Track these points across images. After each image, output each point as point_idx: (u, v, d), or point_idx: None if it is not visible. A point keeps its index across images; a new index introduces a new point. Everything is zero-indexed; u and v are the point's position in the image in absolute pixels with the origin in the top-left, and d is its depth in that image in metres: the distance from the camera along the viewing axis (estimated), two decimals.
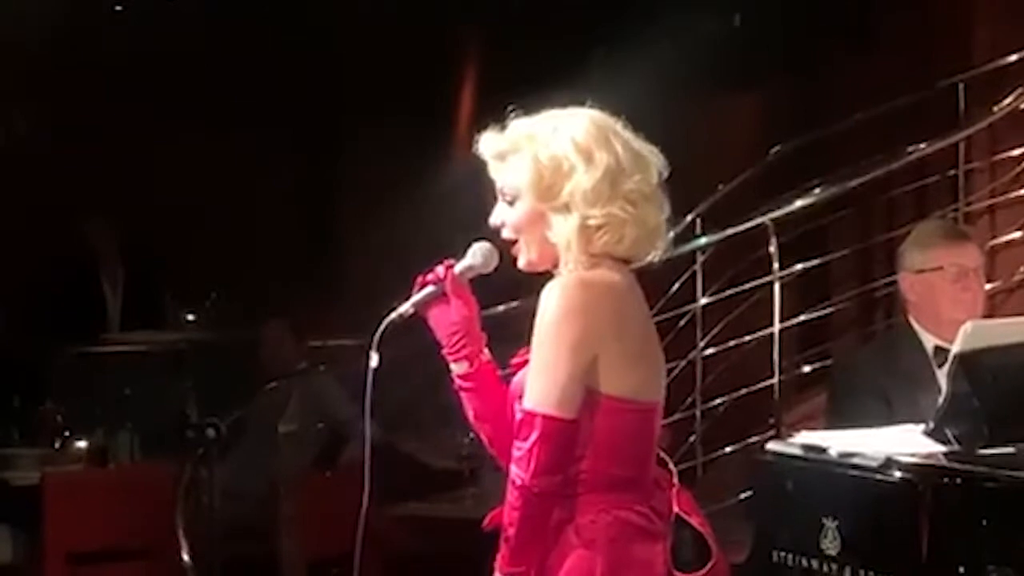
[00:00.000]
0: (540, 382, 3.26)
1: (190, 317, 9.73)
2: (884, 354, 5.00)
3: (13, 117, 9.51)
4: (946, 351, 4.31)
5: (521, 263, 3.44)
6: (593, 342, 3.25)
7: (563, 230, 3.33)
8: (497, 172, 3.43)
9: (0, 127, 9.55)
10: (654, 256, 3.41)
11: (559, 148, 3.33)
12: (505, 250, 3.46)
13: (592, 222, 3.31)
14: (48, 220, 9.28)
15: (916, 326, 4.91)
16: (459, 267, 3.49)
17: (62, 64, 9.24)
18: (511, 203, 3.40)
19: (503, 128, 3.42)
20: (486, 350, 3.52)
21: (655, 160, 3.40)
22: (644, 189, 3.35)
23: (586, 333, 3.24)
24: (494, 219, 3.44)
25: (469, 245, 3.51)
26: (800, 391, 7.33)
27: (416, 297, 3.48)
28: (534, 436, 3.24)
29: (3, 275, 9.05)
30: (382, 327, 3.44)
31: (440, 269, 3.50)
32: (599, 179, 3.30)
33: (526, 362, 3.37)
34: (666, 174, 3.40)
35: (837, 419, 4.84)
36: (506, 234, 3.43)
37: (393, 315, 3.46)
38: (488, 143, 3.42)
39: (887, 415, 4.60)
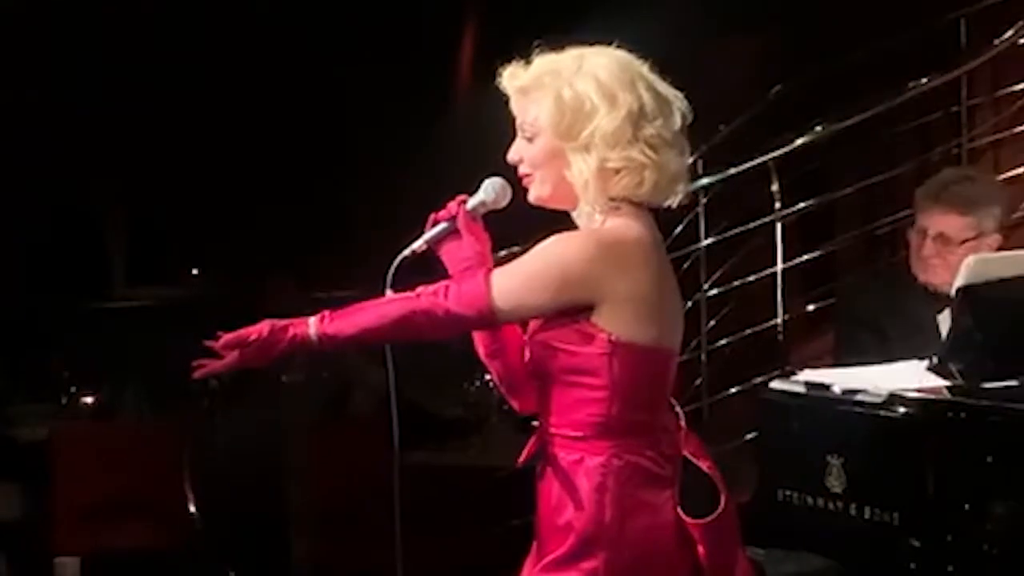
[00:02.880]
0: (509, 277, 3.27)
1: (195, 271, 9.72)
2: (884, 291, 4.99)
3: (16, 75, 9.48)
4: (942, 296, 4.32)
5: (532, 197, 3.41)
6: (589, 288, 3.23)
7: (582, 170, 3.30)
8: (518, 107, 3.39)
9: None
10: (672, 201, 3.39)
11: (582, 87, 3.29)
12: (518, 186, 3.44)
13: (611, 164, 3.29)
14: (54, 175, 9.26)
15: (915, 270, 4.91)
16: (471, 203, 3.46)
17: (68, 19, 9.20)
18: (530, 139, 3.37)
19: (527, 62, 3.38)
20: None
21: (679, 104, 3.35)
22: (665, 134, 3.31)
23: (583, 280, 3.23)
24: (512, 154, 3.41)
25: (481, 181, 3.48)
26: (808, 331, 7.31)
27: (429, 234, 3.46)
28: (465, 302, 3.25)
29: (9, 231, 9.04)
30: (395, 264, 3.41)
31: (452, 205, 3.47)
32: (621, 122, 3.27)
33: None
34: (690, 119, 3.36)
35: (841, 352, 4.84)
36: (523, 170, 3.40)
37: (406, 252, 3.44)
38: (511, 76, 3.38)
39: (883, 349, 4.59)
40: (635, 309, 3.26)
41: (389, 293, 3.39)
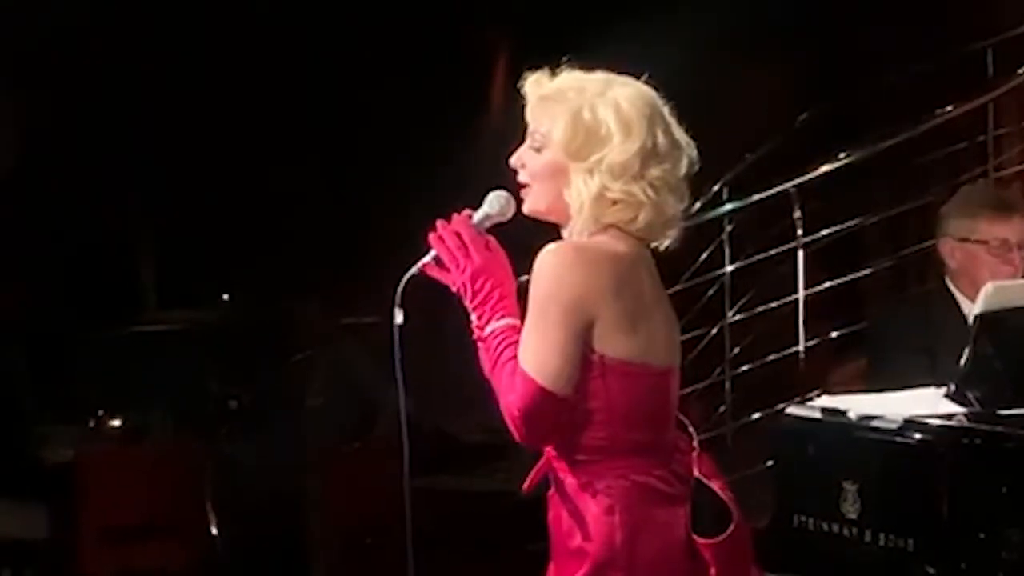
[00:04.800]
0: (535, 346, 3.23)
1: (225, 297, 9.75)
2: (919, 314, 4.97)
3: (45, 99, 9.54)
4: None
5: (527, 208, 3.40)
6: (587, 306, 3.22)
7: (580, 192, 3.30)
8: (534, 114, 3.38)
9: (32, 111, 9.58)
10: (664, 244, 3.38)
11: (603, 112, 3.28)
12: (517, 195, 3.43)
13: (610, 194, 3.28)
14: (84, 198, 9.31)
15: (954, 291, 4.88)
16: (476, 216, 3.44)
17: (101, 41, 9.25)
18: (538, 150, 3.36)
19: (555, 73, 3.38)
20: None
21: (689, 152, 3.36)
22: (669, 178, 3.31)
23: (580, 297, 3.22)
24: (515, 159, 3.40)
25: (486, 194, 3.47)
26: (835, 358, 7.30)
27: (435, 251, 3.43)
28: (526, 404, 3.22)
29: (39, 254, 9.09)
30: (403, 282, 3.41)
31: (457, 219, 3.45)
32: (631, 156, 3.27)
33: None
34: (696, 168, 3.36)
35: (876, 376, 4.80)
36: (522, 178, 3.39)
37: (413, 269, 3.42)
38: (536, 83, 3.37)
39: (927, 368, 4.55)
40: (619, 324, 3.25)
41: (399, 313, 3.40)
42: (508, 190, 3.44)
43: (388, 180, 9.78)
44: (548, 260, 3.25)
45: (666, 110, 3.35)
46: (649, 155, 3.29)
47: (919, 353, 4.72)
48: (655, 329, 3.33)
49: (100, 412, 7.64)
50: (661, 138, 3.30)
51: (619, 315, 3.25)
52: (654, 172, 3.29)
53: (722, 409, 7.14)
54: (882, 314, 5.49)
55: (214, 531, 6.47)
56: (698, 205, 6.98)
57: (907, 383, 4.36)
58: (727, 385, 7.17)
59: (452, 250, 3.39)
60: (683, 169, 3.34)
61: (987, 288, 4.22)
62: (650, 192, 3.28)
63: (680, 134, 3.36)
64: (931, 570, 3.83)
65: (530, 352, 3.23)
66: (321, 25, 9.49)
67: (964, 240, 4.84)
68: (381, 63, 9.56)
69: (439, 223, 3.43)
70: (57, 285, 9.20)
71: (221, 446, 6.69)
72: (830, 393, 4.76)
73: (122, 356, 8.70)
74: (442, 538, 6.58)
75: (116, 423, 7.55)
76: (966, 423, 3.97)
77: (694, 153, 3.37)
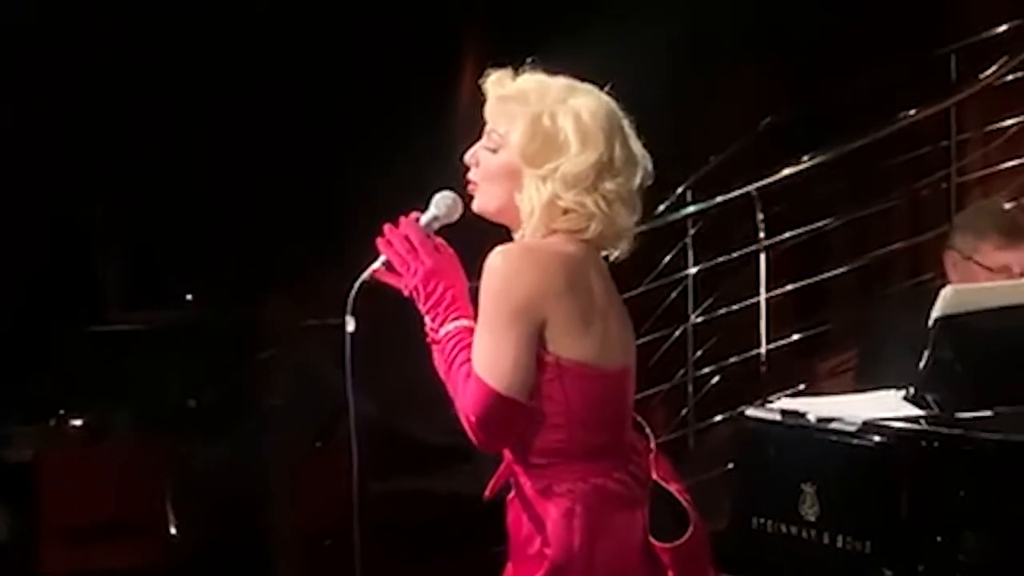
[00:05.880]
0: (486, 349, 3.21)
1: (188, 297, 9.71)
2: (922, 309, 4.95)
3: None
4: None
5: (476, 206, 3.38)
6: (537, 306, 3.21)
7: (531, 198, 3.28)
8: (493, 114, 3.35)
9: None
10: (613, 255, 3.37)
11: (562, 120, 3.26)
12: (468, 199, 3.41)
13: (562, 203, 3.26)
14: (46, 198, 9.27)
15: None
16: (424, 219, 3.41)
17: (66, 46, 9.22)
18: (493, 150, 3.34)
19: (518, 73, 3.35)
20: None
21: (644, 165, 3.34)
22: (623, 191, 3.29)
23: (530, 297, 3.20)
24: (469, 157, 3.37)
25: (430, 197, 3.45)
26: (799, 361, 7.33)
27: (384, 257, 3.40)
28: (480, 408, 3.20)
29: (1, 253, 9.05)
30: (355, 288, 3.39)
31: (404, 222, 3.42)
32: (586, 167, 3.25)
33: None
34: (650, 181, 3.34)
35: (873, 368, 4.78)
36: (472, 175, 3.37)
37: (364, 275, 3.39)
38: (497, 82, 3.35)
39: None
40: (571, 325, 3.23)
41: (350, 320, 3.38)
42: (456, 191, 3.43)
43: (351, 180, 9.77)
44: (497, 262, 3.22)
45: (626, 123, 3.33)
46: (604, 168, 3.26)
47: (905, 351, 4.71)
48: (609, 329, 3.31)
49: (61, 412, 7.62)
50: (618, 151, 3.28)
51: (570, 315, 3.24)
52: (608, 185, 3.27)
53: (684, 412, 7.15)
54: (877, 309, 5.48)
55: (174, 531, 6.45)
56: (662, 207, 7.02)
57: (896, 381, 4.36)
58: (689, 388, 7.18)
59: (402, 254, 3.37)
60: (637, 182, 3.32)
61: (946, 291, 4.23)
62: (602, 204, 3.27)
63: (637, 147, 3.34)
64: (889, 572, 3.83)
65: (482, 355, 3.22)
66: (283, 25, 9.47)
67: (968, 259, 4.82)
68: (335, 64, 9.55)
69: (387, 227, 3.40)
70: (18, 284, 9.15)
71: (181, 446, 6.66)
72: (790, 395, 4.76)
73: (84, 356, 8.66)
74: (400, 540, 6.59)
75: (77, 423, 7.52)
76: (925, 426, 3.98)
77: (650, 166, 3.34)
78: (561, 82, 3.34)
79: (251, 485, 7.16)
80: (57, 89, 9.18)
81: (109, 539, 6.81)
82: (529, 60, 3.35)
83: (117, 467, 6.97)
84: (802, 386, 6.70)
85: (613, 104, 3.34)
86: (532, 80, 3.34)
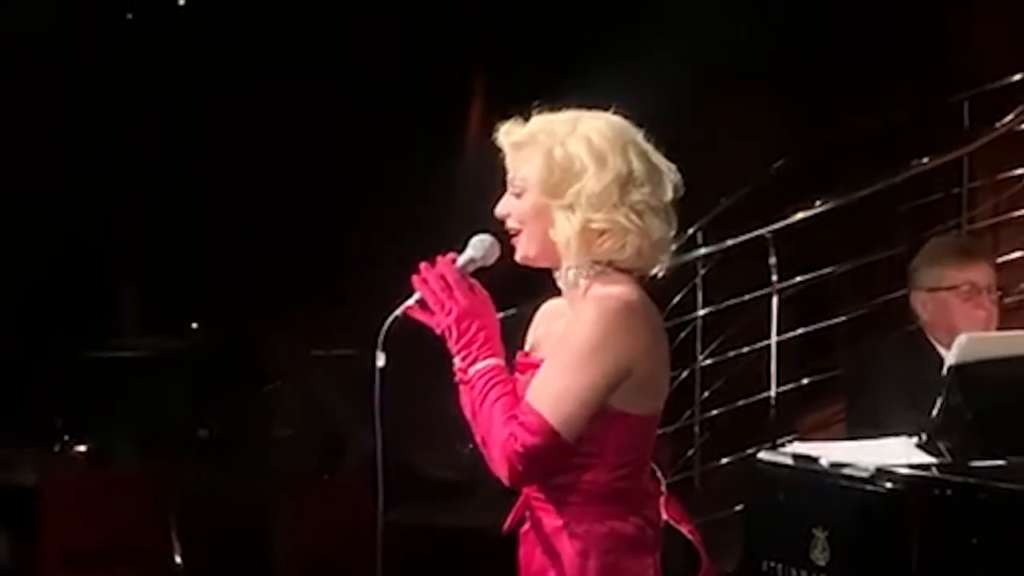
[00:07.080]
0: (557, 388, 3.21)
1: (194, 325, 9.71)
2: (903, 354, 4.96)
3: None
4: None
5: (519, 256, 3.39)
6: (625, 368, 3.22)
7: (564, 228, 3.30)
8: (511, 162, 3.38)
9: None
10: (657, 270, 3.38)
11: (574, 148, 3.29)
12: (507, 243, 3.42)
13: (595, 226, 3.28)
14: (52, 223, 9.28)
15: (933, 341, 4.87)
16: (461, 260, 3.41)
17: (79, 63, 9.24)
18: (518, 195, 3.36)
19: (525, 120, 3.38)
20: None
21: (670, 176, 3.34)
22: (652, 202, 3.29)
23: (626, 359, 3.21)
24: (500, 209, 3.40)
25: (469, 238, 3.46)
26: (806, 404, 7.32)
27: (419, 293, 3.40)
28: (532, 442, 3.20)
29: (6, 276, 9.05)
30: (387, 324, 3.39)
31: (441, 262, 3.42)
32: (608, 184, 3.26)
33: (533, 364, 3.33)
34: (681, 192, 3.34)
35: (858, 417, 4.79)
36: (510, 225, 3.39)
37: (398, 311, 3.40)
38: (507, 132, 3.38)
39: (910, 406, 4.54)
40: (645, 384, 3.25)
41: (380, 356, 3.38)
42: (489, 232, 3.44)
43: (362, 213, 9.78)
44: (603, 311, 3.23)
45: (639, 136, 3.34)
46: (626, 181, 3.27)
47: (898, 398, 4.71)
48: (666, 382, 3.35)
49: (65, 437, 7.61)
50: (636, 163, 3.29)
51: (650, 372, 3.25)
52: (634, 196, 3.28)
53: (690, 452, 7.14)
54: (861, 357, 5.49)
55: (178, 560, 6.43)
56: (672, 248, 6.99)
57: (885, 428, 4.36)
58: (696, 429, 7.16)
59: (437, 292, 3.37)
60: (668, 193, 3.32)
61: (960, 339, 4.23)
62: (633, 217, 3.27)
63: (658, 158, 3.34)
64: None
65: (549, 392, 3.21)
66: (300, 58, 9.50)
67: (934, 290, 4.85)
68: (355, 95, 9.57)
69: (423, 265, 3.41)
70: (25, 309, 9.16)
71: (187, 474, 6.65)
72: (802, 439, 4.76)
73: (90, 381, 8.66)
74: (405, 573, 6.57)
75: (81, 448, 7.51)
76: (937, 473, 3.97)
77: (677, 177, 3.34)
78: (567, 115, 3.36)
79: (256, 514, 7.15)
80: (65, 114, 9.21)
81: (110, 566, 6.78)
82: (535, 105, 3.38)
83: (120, 493, 6.93)
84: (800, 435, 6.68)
85: (623, 121, 3.36)
86: (539, 121, 3.37)
